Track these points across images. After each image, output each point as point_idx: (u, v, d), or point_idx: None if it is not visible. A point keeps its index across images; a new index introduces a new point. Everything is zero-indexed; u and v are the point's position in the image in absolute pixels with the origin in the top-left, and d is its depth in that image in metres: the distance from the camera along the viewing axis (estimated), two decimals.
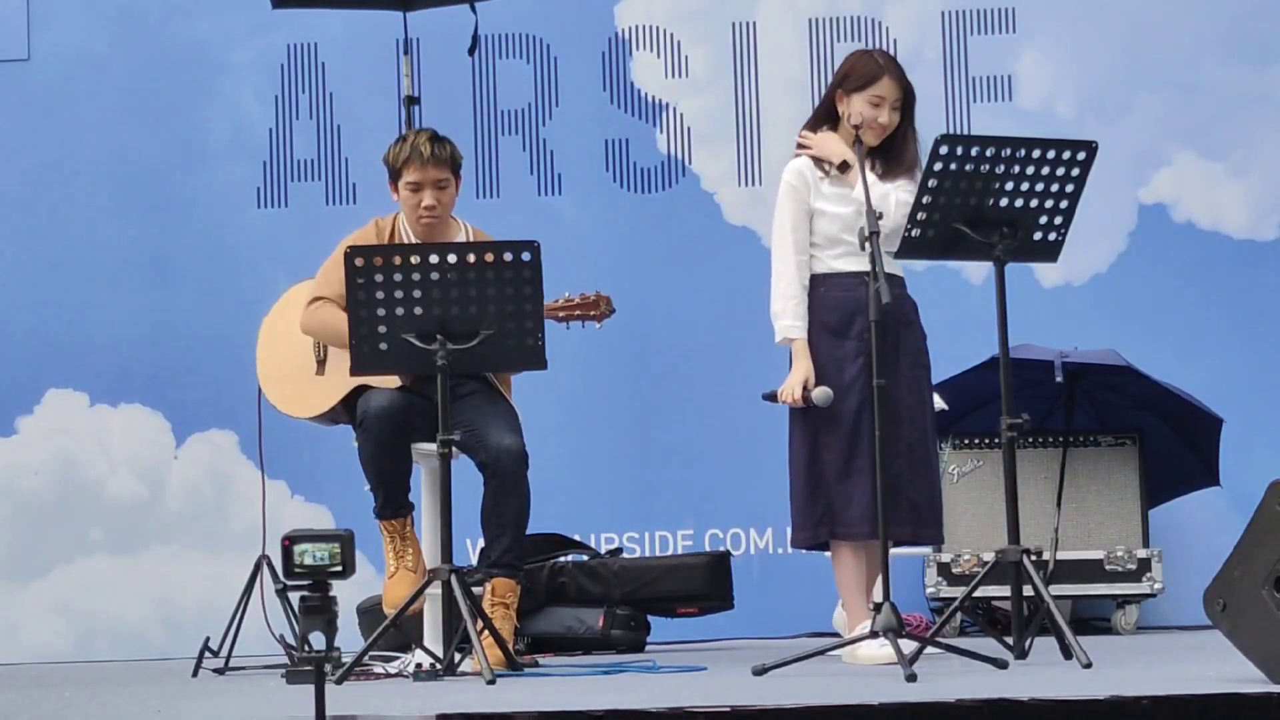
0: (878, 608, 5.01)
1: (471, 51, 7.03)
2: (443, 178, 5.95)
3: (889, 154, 5.63)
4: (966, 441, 7.21)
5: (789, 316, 5.63)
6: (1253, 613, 4.12)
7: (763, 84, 7.74)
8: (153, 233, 7.78)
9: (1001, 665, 5.00)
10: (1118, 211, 7.56)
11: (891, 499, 5.36)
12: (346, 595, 7.44)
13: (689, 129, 7.76)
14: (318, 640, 5.19)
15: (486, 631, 5.40)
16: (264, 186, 7.81)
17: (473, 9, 6.90)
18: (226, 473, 7.70)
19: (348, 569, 5.19)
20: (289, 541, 5.18)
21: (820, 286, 5.64)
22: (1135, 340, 7.45)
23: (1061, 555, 7.04)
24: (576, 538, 7.54)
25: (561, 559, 6.88)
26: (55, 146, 7.82)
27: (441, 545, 5.38)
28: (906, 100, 5.70)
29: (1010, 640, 5.37)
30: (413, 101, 6.69)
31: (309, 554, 5.20)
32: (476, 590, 5.62)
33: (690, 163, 7.76)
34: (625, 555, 7.00)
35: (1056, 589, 6.94)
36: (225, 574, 7.59)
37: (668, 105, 7.77)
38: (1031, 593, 5.36)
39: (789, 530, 5.76)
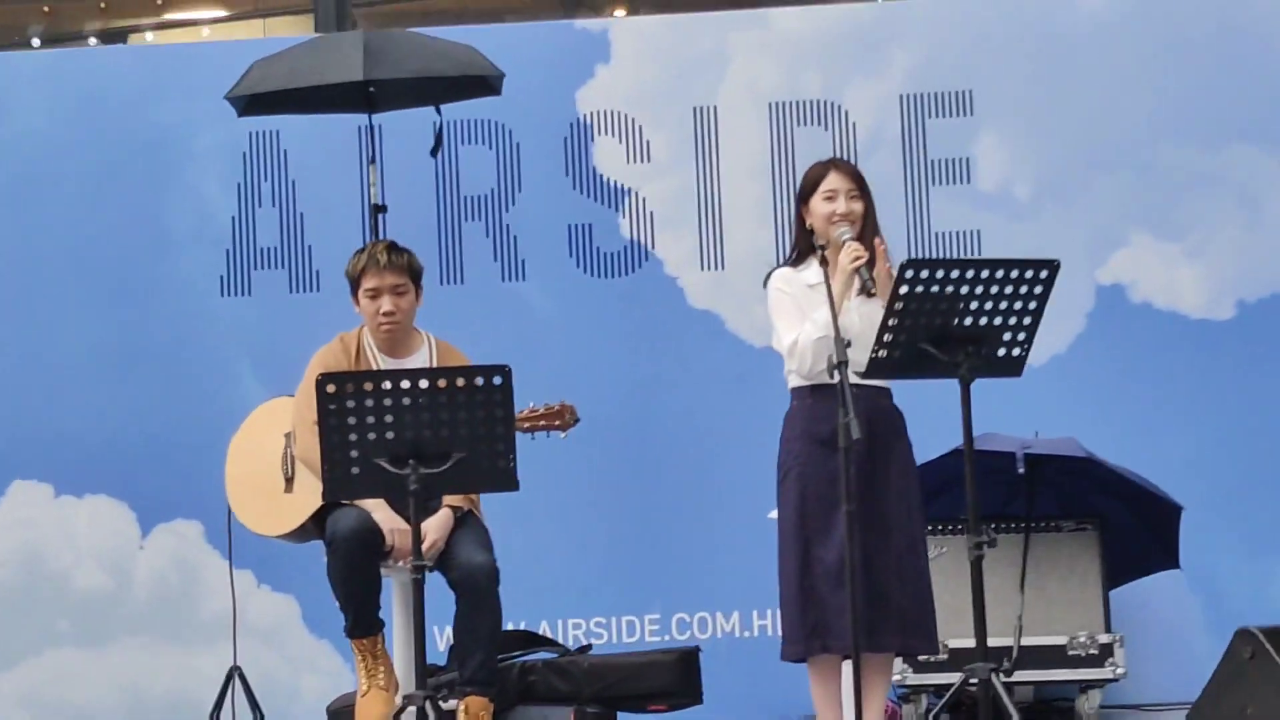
0: None
1: (434, 153, 7.06)
2: (400, 283, 5.99)
3: (876, 269, 5.67)
4: (931, 527, 7.25)
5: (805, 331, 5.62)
6: None
7: (724, 168, 7.80)
8: (117, 321, 7.79)
9: None
10: (1076, 292, 7.63)
11: (880, 610, 5.43)
12: (316, 690, 7.55)
13: (651, 213, 7.81)
14: None
15: None
16: (227, 274, 7.83)
17: (437, 110, 6.93)
18: (192, 563, 7.71)
19: None
20: None
21: (809, 397, 5.69)
22: (1095, 420, 7.54)
23: (1025, 641, 7.10)
24: (545, 630, 7.59)
25: (531, 657, 6.90)
26: (19, 235, 7.83)
27: (416, 669, 5.39)
28: (864, 189, 5.76)
29: None
30: (379, 210, 6.72)
31: None
32: (450, 703, 5.66)
33: (653, 247, 7.81)
34: (594, 653, 7.02)
35: (1021, 675, 7.05)
36: (193, 665, 7.62)
37: (630, 190, 7.81)
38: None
39: (780, 643, 5.76)
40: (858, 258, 5.58)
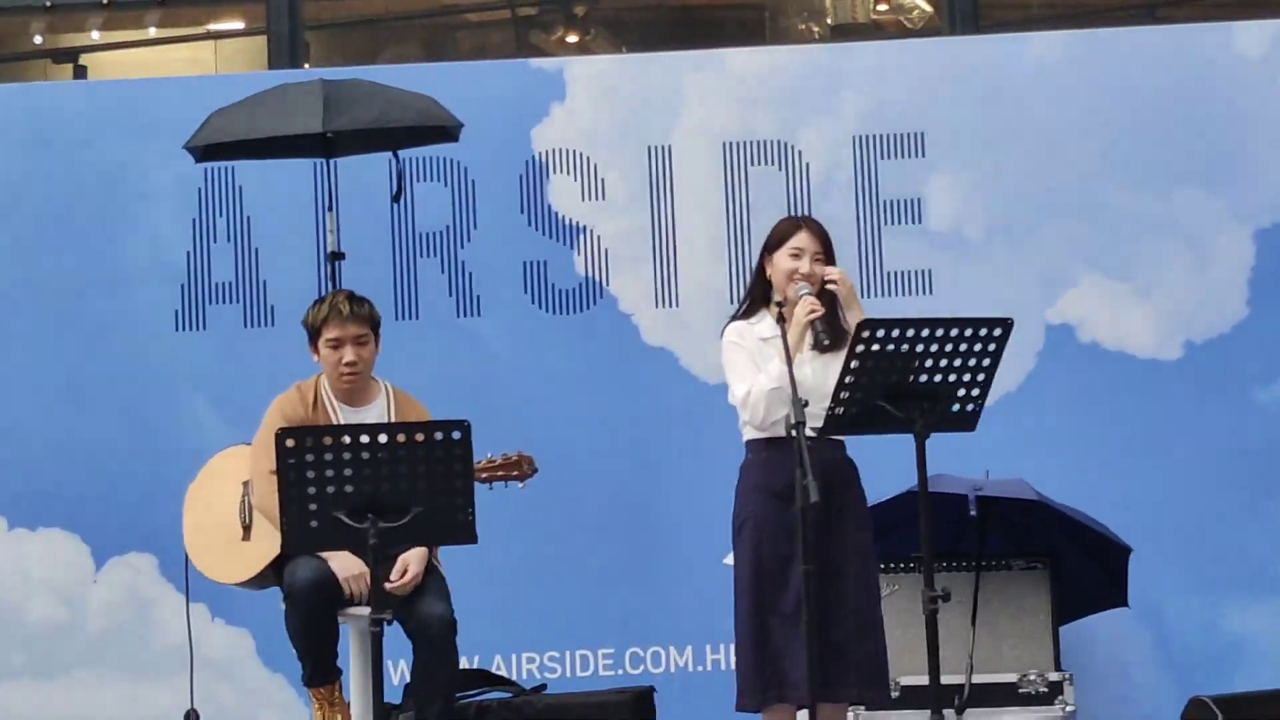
0: None
1: (396, 199, 7.10)
2: (362, 334, 6.04)
3: (833, 325, 5.73)
4: (882, 565, 7.32)
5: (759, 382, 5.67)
6: None
7: (678, 206, 7.85)
8: (71, 356, 7.79)
9: None
10: (1026, 331, 7.70)
11: (838, 662, 5.52)
12: None
13: (606, 250, 7.86)
14: None
15: None
16: (182, 309, 7.84)
17: (395, 156, 6.97)
18: (147, 596, 7.72)
19: None
20: None
21: (765, 450, 5.74)
22: (1044, 459, 7.63)
23: (976, 679, 7.19)
24: (499, 664, 7.63)
25: (486, 697, 6.95)
26: None
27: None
28: (829, 251, 5.82)
29: None
30: (337, 257, 6.74)
31: None
32: None
33: (608, 284, 7.85)
34: (549, 692, 7.07)
35: (971, 713, 7.14)
36: (147, 698, 7.64)
37: (585, 227, 7.86)
38: None
39: (735, 694, 5.82)
40: (813, 310, 5.64)
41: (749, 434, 5.80)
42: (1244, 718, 4.29)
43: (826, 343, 5.66)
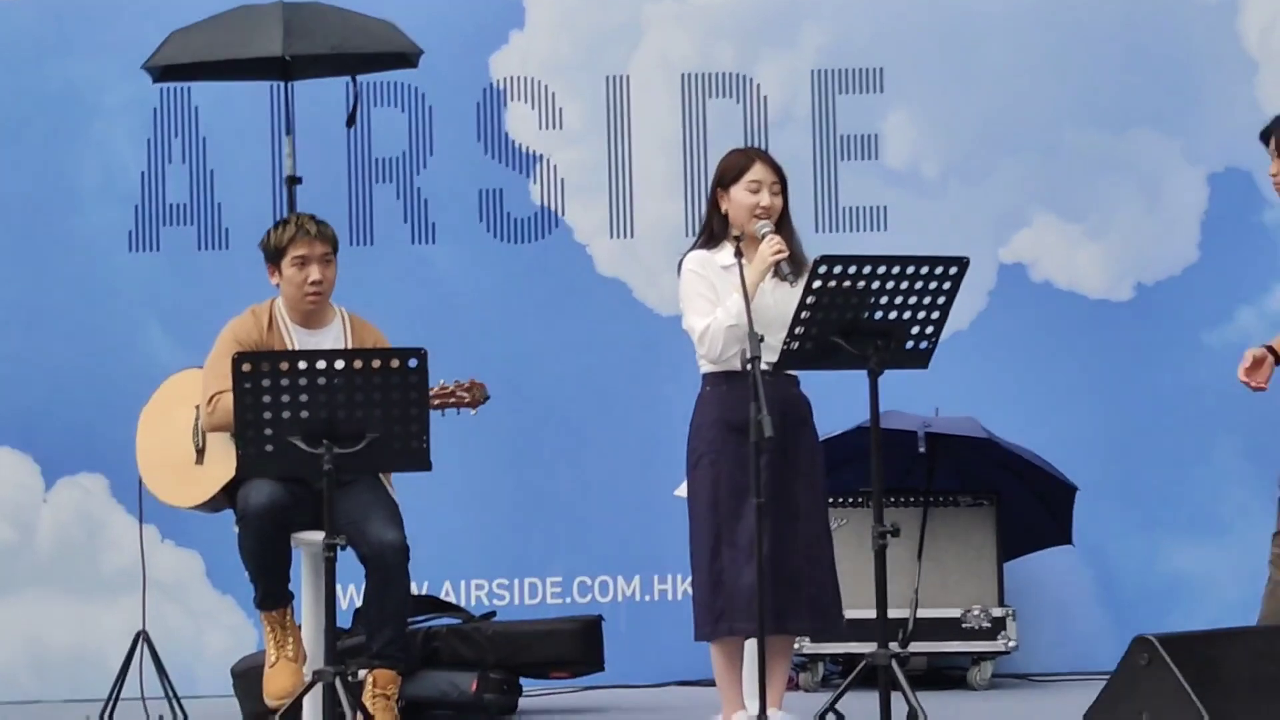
0: None
1: (350, 123, 7.07)
2: (327, 252, 6.06)
3: (794, 258, 5.75)
4: (831, 500, 7.38)
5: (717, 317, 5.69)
6: None
7: (635, 138, 7.85)
8: (23, 275, 7.75)
9: None
10: (978, 269, 7.64)
11: (791, 594, 5.57)
12: (219, 647, 7.60)
13: (562, 180, 7.85)
14: None
15: None
16: (135, 230, 7.80)
17: (353, 81, 6.93)
18: (97, 517, 7.72)
19: None
20: None
21: (722, 384, 5.76)
22: (994, 396, 7.69)
23: (921, 614, 7.27)
24: (448, 591, 7.66)
25: (436, 623, 6.98)
26: None
27: (326, 645, 5.46)
28: (784, 182, 5.84)
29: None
30: (294, 181, 6.72)
31: None
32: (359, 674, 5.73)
33: (563, 214, 7.85)
34: (498, 619, 7.11)
35: (915, 646, 7.23)
36: (95, 618, 7.64)
37: (541, 157, 7.84)
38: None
39: (692, 624, 5.84)
40: (779, 252, 5.65)
41: (706, 367, 5.83)
42: (1188, 657, 4.35)
43: (790, 276, 5.68)
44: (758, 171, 5.80)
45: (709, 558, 5.73)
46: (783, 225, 5.78)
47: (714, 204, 5.86)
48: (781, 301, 5.65)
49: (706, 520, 5.74)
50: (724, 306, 5.66)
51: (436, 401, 6.01)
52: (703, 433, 5.79)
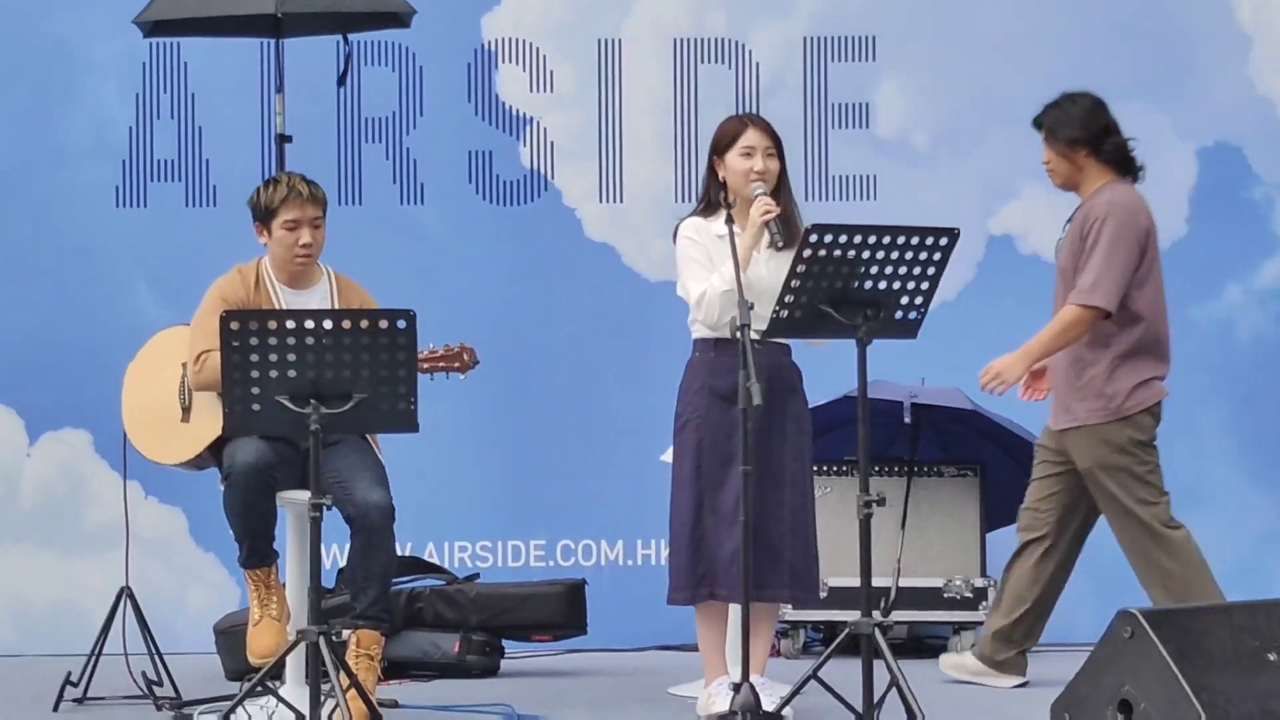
0: (736, 687, 5.20)
1: (342, 81, 7.05)
2: (318, 215, 6.03)
3: (785, 223, 5.76)
4: (817, 468, 7.39)
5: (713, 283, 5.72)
6: None
7: (627, 102, 7.84)
8: (9, 230, 7.72)
9: None
10: (966, 241, 7.63)
11: (771, 563, 5.58)
12: (201, 604, 7.60)
13: (552, 144, 7.83)
14: None
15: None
16: (123, 186, 7.78)
17: (345, 39, 6.91)
18: (80, 472, 7.71)
19: None
20: None
21: (710, 350, 5.78)
22: (980, 368, 7.65)
23: (903, 583, 7.29)
24: (431, 552, 7.67)
25: (419, 584, 6.99)
26: None
27: (310, 605, 5.46)
28: (779, 147, 5.84)
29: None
30: (284, 140, 6.69)
31: None
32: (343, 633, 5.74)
33: (552, 177, 7.84)
34: (481, 581, 7.12)
35: (897, 614, 7.25)
36: (78, 573, 7.64)
37: (532, 119, 7.83)
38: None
39: (667, 588, 5.88)
40: (767, 211, 5.66)
41: (698, 331, 5.84)
42: (1171, 631, 4.37)
43: (780, 243, 5.69)
44: (751, 137, 5.82)
45: (690, 522, 5.75)
46: (779, 191, 5.79)
47: (711, 172, 5.88)
48: (775, 272, 5.67)
49: (689, 485, 5.77)
50: (719, 273, 5.67)
51: (426, 365, 6.01)
52: (689, 398, 5.81)
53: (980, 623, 7.35)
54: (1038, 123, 6.48)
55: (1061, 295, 6.51)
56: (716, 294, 5.67)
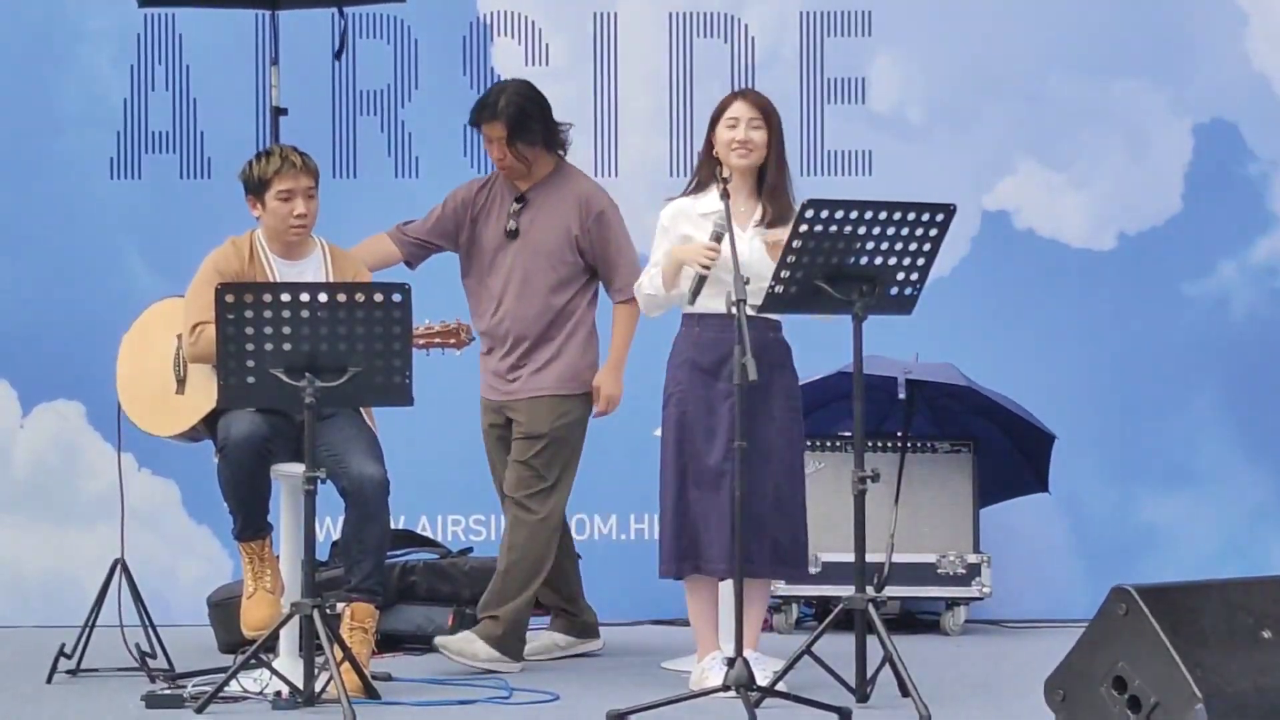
0: (731, 661, 5.21)
1: (338, 56, 7.03)
2: (311, 186, 6.02)
3: (775, 199, 5.76)
4: (810, 443, 7.40)
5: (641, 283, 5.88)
6: (1090, 708, 4.35)
7: (622, 75, 7.83)
8: (3, 201, 7.71)
9: (845, 715, 5.23)
10: (961, 216, 7.57)
11: (756, 539, 5.58)
12: (194, 576, 7.61)
13: None
14: None
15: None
16: (117, 157, 7.77)
17: (340, 12, 6.89)
18: (73, 443, 7.71)
19: None
20: None
21: (695, 325, 5.79)
22: (974, 343, 7.70)
23: (896, 558, 7.29)
24: (424, 526, 7.67)
25: (413, 557, 6.99)
26: None
27: (304, 577, 5.47)
28: (769, 119, 5.83)
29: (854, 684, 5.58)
30: (280, 113, 6.68)
31: None
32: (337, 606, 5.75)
33: None
34: (474, 555, 7.12)
35: (890, 590, 7.25)
36: (71, 544, 7.64)
37: None
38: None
39: (657, 561, 5.89)
40: (703, 264, 5.61)
41: (684, 307, 5.84)
42: (1166, 608, 4.38)
43: (696, 296, 5.70)
44: (736, 109, 5.85)
45: (674, 497, 5.77)
46: (769, 166, 5.79)
47: (706, 148, 5.89)
48: (758, 250, 5.68)
49: (673, 459, 5.80)
50: (649, 275, 5.75)
51: (422, 341, 6.02)
52: (674, 374, 5.85)
53: (974, 598, 7.37)
54: (474, 121, 6.53)
55: None
56: (643, 295, 5.85)
